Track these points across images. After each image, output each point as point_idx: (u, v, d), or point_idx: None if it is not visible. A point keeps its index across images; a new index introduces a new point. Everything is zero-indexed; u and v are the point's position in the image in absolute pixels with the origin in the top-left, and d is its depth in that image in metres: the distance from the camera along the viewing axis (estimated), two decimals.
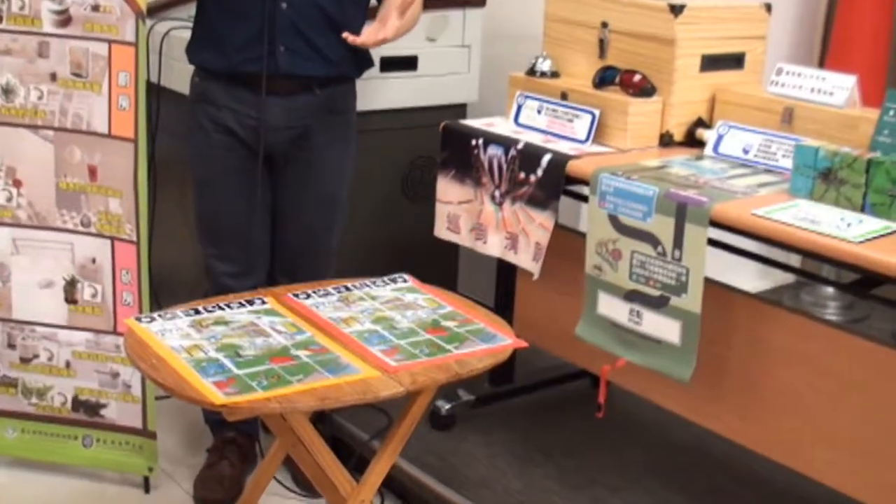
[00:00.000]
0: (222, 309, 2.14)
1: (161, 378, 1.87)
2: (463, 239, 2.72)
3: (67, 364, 2.69)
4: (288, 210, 2.64)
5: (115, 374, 2.68)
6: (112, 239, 2.60)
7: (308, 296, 2.23)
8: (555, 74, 2.73)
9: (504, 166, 2.56)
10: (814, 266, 2.92)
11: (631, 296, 2.31)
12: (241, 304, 2.17)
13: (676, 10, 2.48)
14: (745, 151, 2.45)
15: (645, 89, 2.53)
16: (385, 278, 2.35)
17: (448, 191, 2.72)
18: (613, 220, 2.31)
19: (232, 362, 1.92)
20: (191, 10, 2.61)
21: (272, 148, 2.56)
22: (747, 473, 2.63)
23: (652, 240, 2.24)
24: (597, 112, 2.55)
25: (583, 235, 2.43)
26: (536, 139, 2.58)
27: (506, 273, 2.83)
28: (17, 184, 2.62)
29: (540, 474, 2.64)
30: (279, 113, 2.53)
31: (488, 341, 2.08)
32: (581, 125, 2.57)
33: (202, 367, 1.89)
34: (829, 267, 2.78)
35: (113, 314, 2.63)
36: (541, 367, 3.04)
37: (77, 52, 2.51)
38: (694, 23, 2.51)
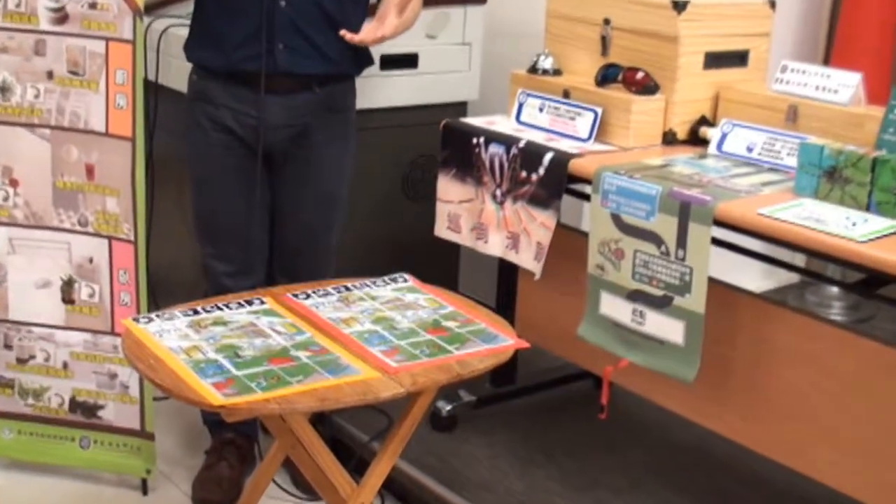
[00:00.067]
0: (221, 309, 2.13)
1: (159, 379, 1.86)
2: (464, 238, 2.71)
3: (65, 365, 2.68)
4: (287, 208, 2.64)
5: (113, 375, 2.67)
6: (109, 238, 2.59)
7: (307, 296, 2.23)
8: (557, 72, 2.72)
9: (505, 165, 2.55)
10: (819, 266, 2.92)
11: (634, 296, 2.30)
12: (240, 305, 2.16)
13: (680, 6, 2.47)
14: (749, 150, 2.45)
15: (648, 87, 2.53)
16: (385, 278, 2.34)
17: (449, 190, 2.71)
18: (616, 219, 2.30)
19: (231, 363, 1.91)
20: (189, 7, 2.60)
21: (271, 146, 2.56)
22: (749, 474, 2.62)
23: (655, 239, 2.23)
24: (599, 110, 2.55)
25: (585, 235, 2.42)
26: (538, 137, 2.58)
27: (507, 273, 2.83)
28: (14, 183, 2.61)
29: (542, 476, 2.63)
30: (278, 111, 2.52)
31: (489, 342, 2.07)
32: (583, 123, 2.56)
33: (201, 368, 1.88)
34: (834, 266, 2.82)
35: (110, 314, 2.62)
36: (543, 368, 3.04)
37: (74, 50, 2.50)
38: (697, 20, 2.51)
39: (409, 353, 1.99)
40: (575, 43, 2.71)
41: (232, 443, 2.74)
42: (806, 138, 2.29)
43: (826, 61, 3.56)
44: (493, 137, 2.60)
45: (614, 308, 2.35)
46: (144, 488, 2.73)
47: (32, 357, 2.69)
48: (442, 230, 2.75)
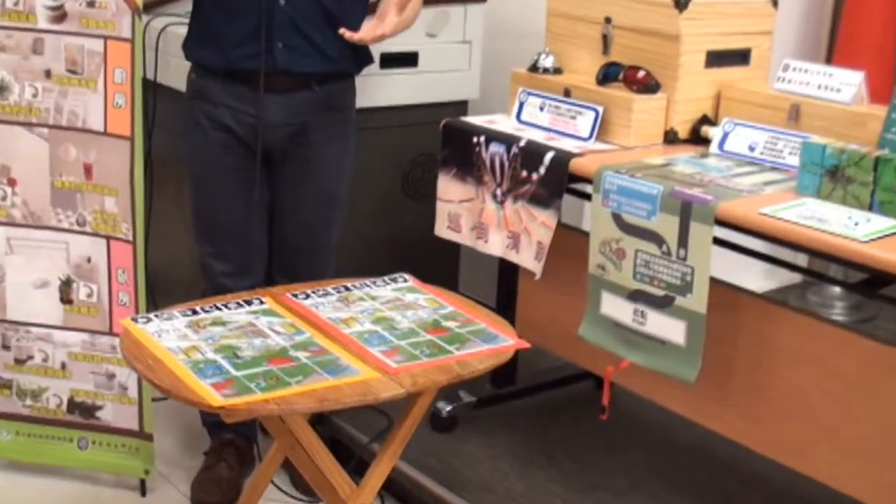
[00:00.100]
0: (220, 309, 2.13)
1: (158, 379, 1.86)
2: (464, 238, 2.70)
3: (63, 365, 2.68)
4: (286, 207, 2.63)
5: (111, 376, 2.66)
6: (108, 238, 2.58)
7: (307, 296, 2.22)
8: (557, 71, 2.72)
9: (506, 164, 2.55)
10: (821, 265, 2.92)
11: (635, 296, 2.30)
12: (240, 305, 2.16)
13: (681, 5, 2.47)
14: (751, 149, 2.44)
15: (649, 86, 2.52)
16: (385, 278, 2.34)
17: (449, 189, 2.70)
18: (617, 218, 2.30)
19: (230, 363, 1.90)
20: (187, 5, 2.59)
21: (270, 145, 2.55)
22: (751, 475, 2.62)
23: (656, 239, 2.23)
24: (600, 109, 2.54)
25: (586, 234, 2.42)
26: (539, 137, 2.57)
27: (508, 273, 2.82)
28: (12, 182, 2.60)
29: (542, 477, 2.63)
30: (277, 110, 2.51)
31: (490, 342, 2.06)
32: (584, 122, 2.56)
33: (200, 369, 1.88)
34: (837, 266, 2.82)
35: (109, 314, 2.62)
36: (543, 369, 3.04)
37: (72, 49, 2.50)
38: (699, 18, 2.50)
39: (409, 353, 1.98)
40: (576, 41, 2.71)
41: (231, 444, 2.74)
42: (808, 137, 2.28)
43: (828, 60, 3.55)
44: (493, 136, 2.59)
45: (615, 308, 2.34)
46: (143, 489, 2.73)
47: (30, 357, 2.68)
48: (442, 230, 2.75)
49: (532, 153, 2.50)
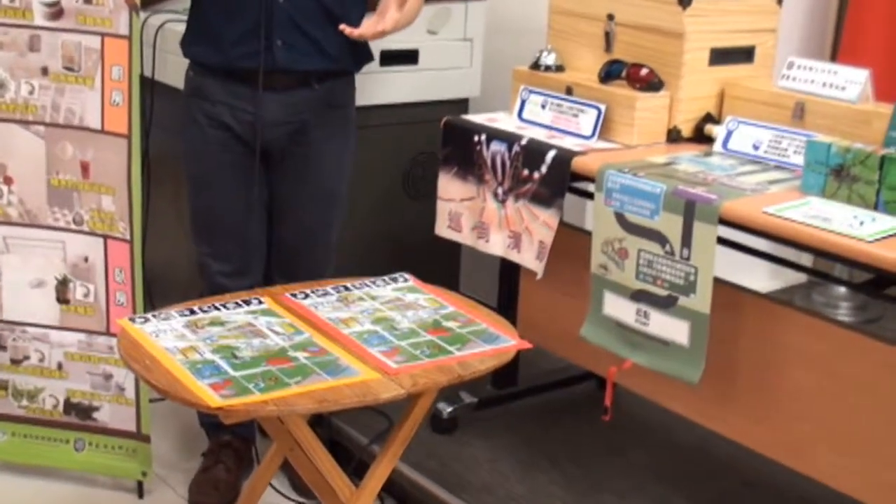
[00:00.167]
0: (218, 309, 2.12)
1: (155, 380, 1.85)
2: (465, 237, 2.70)
3: (59, 365, 2.67)
4: (285, 205, 2.63)
5: (108, 376, 2.65)
6: (105, 237, 2.58)
7: (306, 296, 2.22)
8: (559, 68, 2.71)
9: (507, 163, 2.54)
10: (826, 265, 2.93)
11: (638, 296, 2.29)
12: (238, 305, 2.15)
13: (685, 1, 2.46)
14: (755, 147, 2.44)
15: (652, 84, 2.51)
16: (385, 278, 2.33)
17: (449, 188, 2.70)
18: (620, 218, 2.29)
19: (228, 364, 1.90)
20: (185, 2, 2.58)
21: (269, 143, 2.54)
22: (755, 476, 2.62)
23: (659, 238, 2.22)
24: (602, 107, 2.54)
25: (588, 234, 2.41)
26: (540, 135, 2.57)
27: (509, 272, 2.82)
28: (8, 181, 2.60)
29: (544, 479, 2.62)
30: (276, 108, 2.51)
31: (491, 342, 2.06)
32: (586, 120, 2.55)
33: (197, 369, 1.87)
34: (842, 266, 2.82)
35: (106, 314, 2.61)
36: (545, 369, 3.03)
37: (69, 46, 2.49)
38: (702, 15, 2.50)
39: (410, 353, 1.98)
40: (578, 39, 2.70)
41: (229, 445, 2.73)
42: (813, 136, 2.28)
43: (833, 57, 3.55)
44: (494, 135, 2.59)
45: (618, 308, 2.34)
46: (140, 491, 2.72)
47: (27, 358, 2.68)
48: (443, 229, 2.74)
49: (534, 152, 2.49)
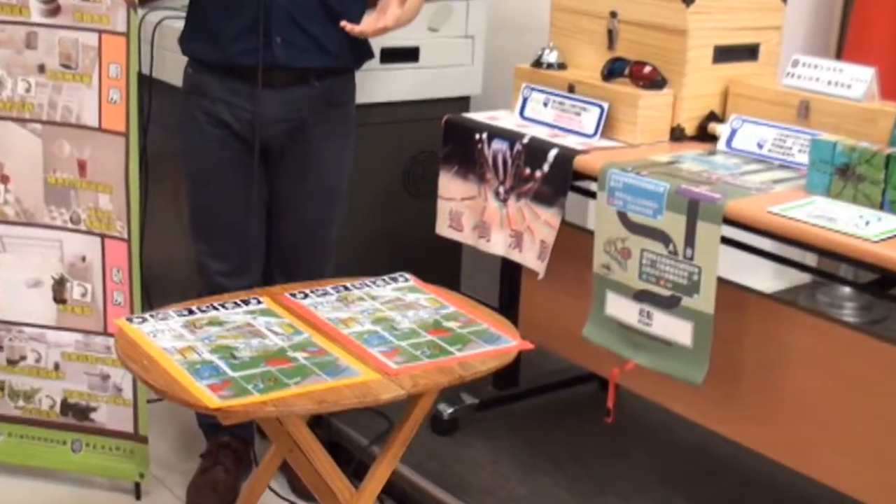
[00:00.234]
0: (217, 309, 2.12)
1: (153, 380, 1.85)
2: (466, 237, 2.69)
3: (56, 366, 2.66)
4: (285, 203, 2.62)
5: (106, 377, 2.65)
6: (102, 236, 2.57)
7: (306, 295, 2.21)
8: (562, 66, 2.71)
9: (509, 161, 2.54)
10: (831, 265, 2.93)
11: (641, 296, 2.28)
12: (237, 304, 2.15)
13: None
14: (760, 146, 2.43)
15: (655, 81, 2.51)
16: (385, 277, 2.33)
17: (450, 187, 2.69)
18: (622, 217, 2.29)
19: (227, 364, 1.89)
20: None
21: (268, 141, 2.54)
22: (755, 476, 2.61)
23: (663, 238, 2.21)
24: (605, 105, 2.53)
25: (590, 233, 2.41)
26: (542, 133, 2.56)
27: (510, 272, 2.81)
28: (4, 179, 2.59)
29: (546, 481, 2.62)
30: (275, 106, 2.50)
31: (492, 343, 2.05)
32: (589, 119, 2.54)
33: (196, 370, 1.86)
34: (847, 266, 2.83)
35: (103, 314, 2.61)
36: (547, 370, 3.02)
37: (66, 43, 2.49)
38: (706, 12, 2.49)
39: (410, 354, 1.97)
40: (580, 36, 2.70)
41: (228, 446, 2.72)
42: (818, 134, 2.27)
43: (838, 55, 3.54)
44: (496, 133, 2.58)
45: (620, 308, 2.33)
46: (137, 493, 2.71)
47: (23, 358, 2.67)
48: (443, 228, 2.74)
49: (535, 150, 2.48)
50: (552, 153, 2.45)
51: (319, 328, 2.06)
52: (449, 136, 2.68)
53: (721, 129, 2.50)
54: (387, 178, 3.14)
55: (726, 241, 2.23)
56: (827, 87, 2.41)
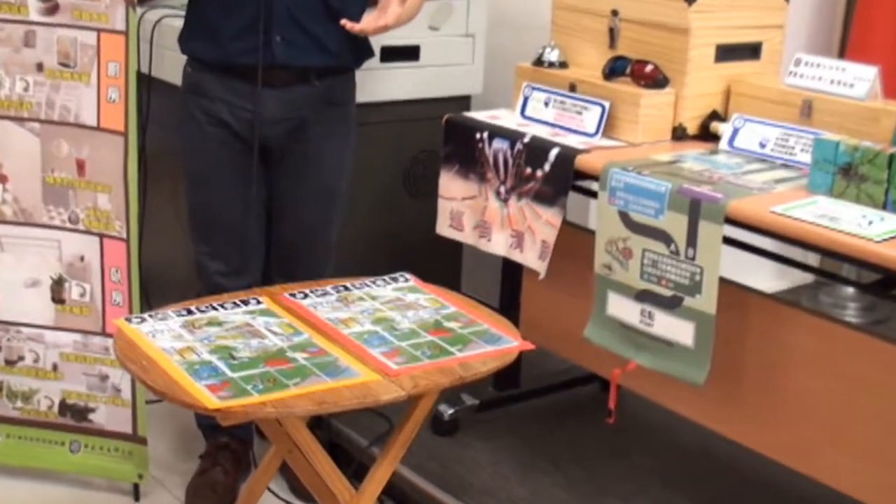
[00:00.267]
0: (216, 309, 2.11)
1: (152, 381, 1.84)
2: (466, 237, 2.69)
3: (54, 366, 2.66)
4: (285, 202, 2.62)
5: (104, 377, 2.64)
6: (101, 236, 2.57)
7: (305, 295, 2.20)
8: (563, 65, 2.70)
9: (510, 161, 2.53)
10: (833, 265, 2.93)
11: (642, 296, 2.28)
12: (236, 305, 2.14)
13: None
14: (762, 146, 2.43)
15: (657, 80, 2.50)
16: (386, 277, 2.32)
17: (451, 186, 2.69)
18: (624, 216, 2.28)
19: (226, 365, 1.89)
20: None
21: (268, 140, 2.53)
22: (755, 476, 2.61)
23: (664, 238, 2.21)
24: (607, 104, 2.53)
25: (592, 233, 2.40)
26: (543, 132, 2.56)
27: (511, 272, 2.81)
28: (2, 179, 2.59)
29: (546, 482, 2.61)
30: (275, 105, 2.50)
31: (493, 343, 2.04)
32: (590, 118, 2.54)
33: (195, 370, 1.86)
34: (850, 266, 2.82)
35: (102, 314, 2.60)
36: (548, 371, 3.02)
37: (65, 42, 2.48)
38: (708, 11, 2.48)
39: (410, 354, 1.96)
40: (581, 35, 2.69)
41: (227, 447, 2.71)
42: (820, 134, 2.27)
43: (841, 54, 3.54)
44: (496, 132, 2.57)
45: (622, 309, 2.33)
46: (136, 494, 2.71)
47: (21, 358, 2.67)
48: (444, 228, 2.73)
49: (536, 149, 2.48)
50: (553, 152, 2.44)
51: (319, 328, 2.05)
52: (449, 135, 2.68)
53: (723, 129, 2.50)
54: (387, 178, 3.13)
55: (728, 240, 2.22)
56: (830, 87, 2.40)
